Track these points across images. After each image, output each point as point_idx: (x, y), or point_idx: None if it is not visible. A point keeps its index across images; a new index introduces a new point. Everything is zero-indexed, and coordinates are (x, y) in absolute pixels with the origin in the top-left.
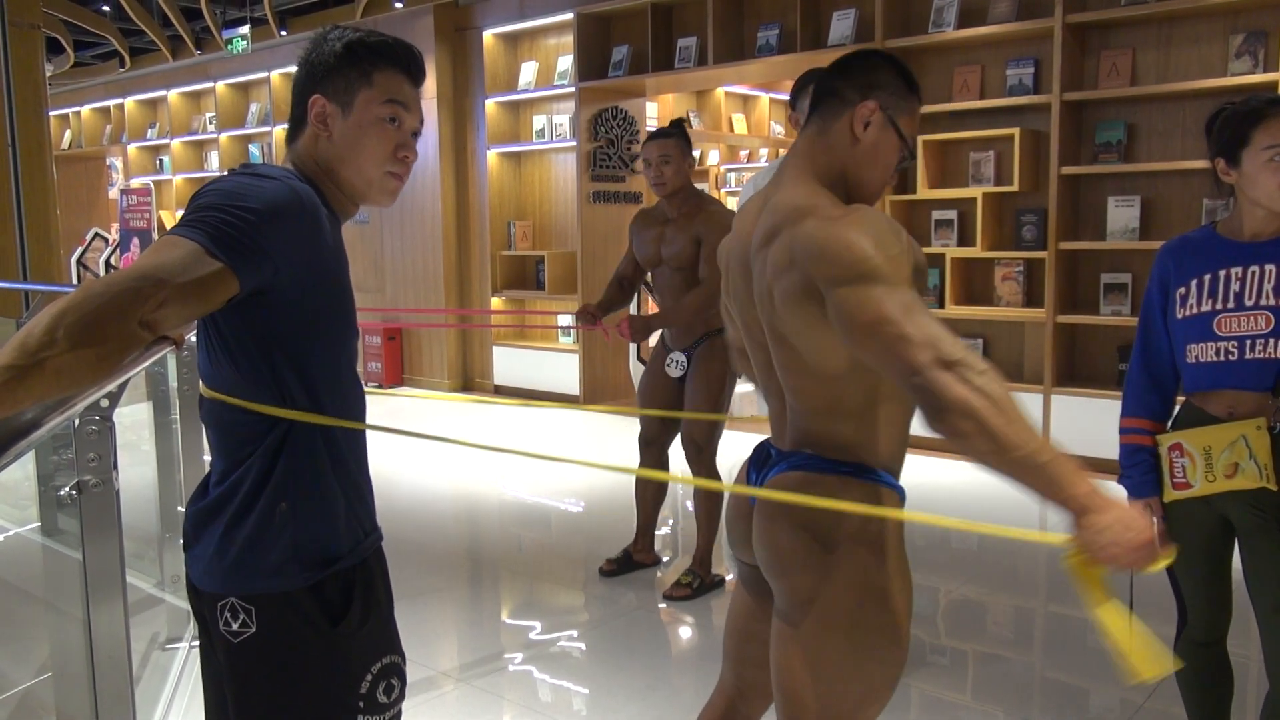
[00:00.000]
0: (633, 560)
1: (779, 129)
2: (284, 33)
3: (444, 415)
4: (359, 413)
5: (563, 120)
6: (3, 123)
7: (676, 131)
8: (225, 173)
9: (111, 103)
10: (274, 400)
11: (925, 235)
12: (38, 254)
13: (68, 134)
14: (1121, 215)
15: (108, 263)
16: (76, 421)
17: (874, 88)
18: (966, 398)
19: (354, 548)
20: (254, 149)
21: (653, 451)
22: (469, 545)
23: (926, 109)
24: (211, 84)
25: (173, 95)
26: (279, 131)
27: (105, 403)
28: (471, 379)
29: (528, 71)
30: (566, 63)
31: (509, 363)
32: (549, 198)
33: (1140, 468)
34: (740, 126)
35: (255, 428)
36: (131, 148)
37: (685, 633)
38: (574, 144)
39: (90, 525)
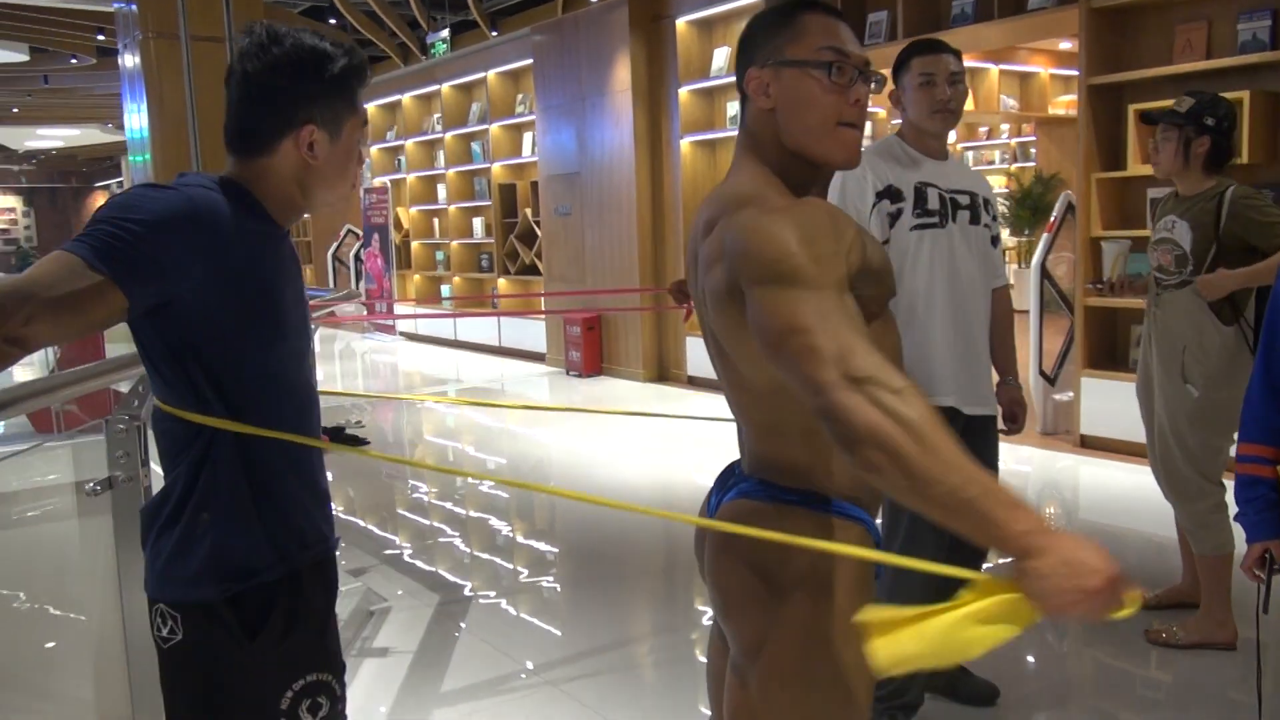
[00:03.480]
0: None
1: (1011, 102)
2: (495, 33)
3: (639, 402)
4: (306, 421)
5: None
6: None
7: None
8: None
9: None
10: (195, 410)
11: (1139, 216)
12: None
13: None
14: None
15: (356, 256)
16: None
17: (751, 53)
18: (877, 424)
19: (279, 561)
20: (475, 146)
21: None
22: (664, 540)
23: (1143, 74)
24: (438, 86)
25: (406, 99)
26: (495, 129)
27: (135, 402)
28: (666, 369)
29: (720, 57)
30: None
31: (702, 354)
32: None
33: (1257, 504)
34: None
35: (182, 437)
36: (374, 149)
37: None
38: None
39: (120, 517)
